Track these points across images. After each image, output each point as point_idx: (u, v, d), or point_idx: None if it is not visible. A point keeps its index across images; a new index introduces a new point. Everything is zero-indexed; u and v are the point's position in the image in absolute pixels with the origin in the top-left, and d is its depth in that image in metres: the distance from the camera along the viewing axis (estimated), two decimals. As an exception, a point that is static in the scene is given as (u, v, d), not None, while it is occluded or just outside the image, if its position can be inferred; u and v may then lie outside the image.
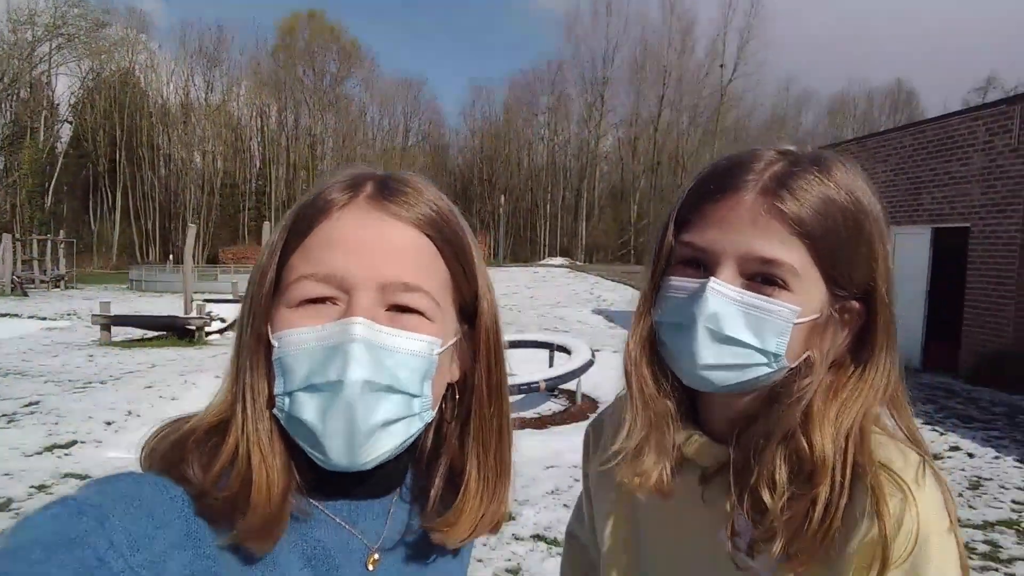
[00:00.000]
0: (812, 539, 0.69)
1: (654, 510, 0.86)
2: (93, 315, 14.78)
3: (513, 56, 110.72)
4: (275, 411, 0.64)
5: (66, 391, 9.01)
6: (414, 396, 0.65)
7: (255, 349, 0.66)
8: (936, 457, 6.33)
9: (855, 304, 0.76)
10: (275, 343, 0.64)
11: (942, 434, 7.05)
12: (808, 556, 0.69)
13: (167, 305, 21.93)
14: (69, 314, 19.64)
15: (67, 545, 0.51)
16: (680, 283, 0.77)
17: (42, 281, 29.03)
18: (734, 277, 0.74)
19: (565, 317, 18.67)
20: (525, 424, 7.61)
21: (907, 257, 11.52)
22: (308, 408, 0.62)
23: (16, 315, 18.94)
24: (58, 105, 50.16)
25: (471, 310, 0.74)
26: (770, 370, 0.74)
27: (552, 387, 8.40)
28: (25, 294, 25.73)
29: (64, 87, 50.42)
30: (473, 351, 0.75)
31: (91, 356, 12.15)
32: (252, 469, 0.62)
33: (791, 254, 0.72)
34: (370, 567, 0.72)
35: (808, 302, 0.73)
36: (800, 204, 0.71)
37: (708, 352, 0.74)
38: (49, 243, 31.21)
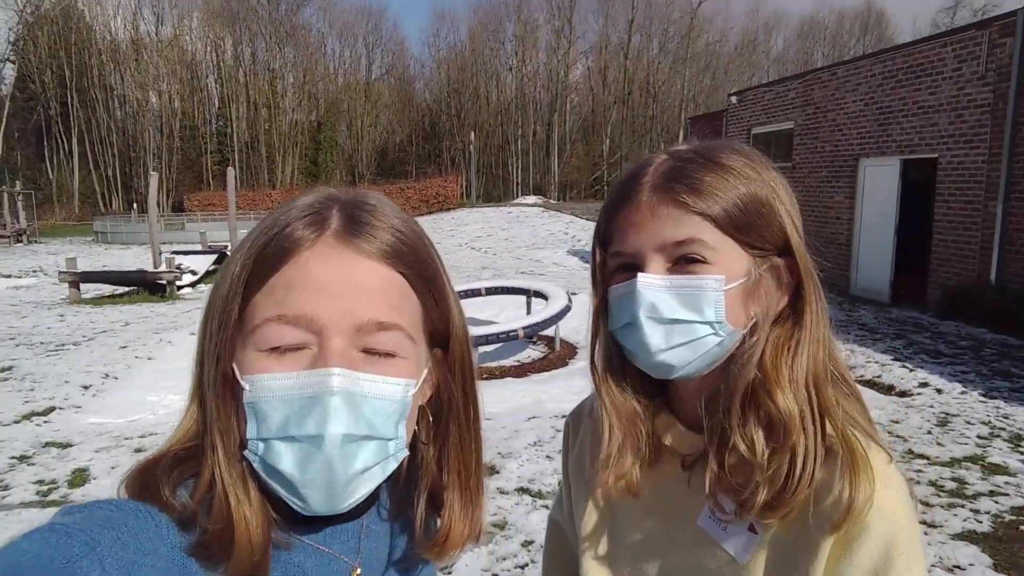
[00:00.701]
0: (795, 492, 0.74)
1: (634, 500, 0.91)
2: (60, 272, 14.49)
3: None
4: (247, 453, 0.64)
5: (39, 354, 8.91)
6: (390, 439, 0.66)
7: (220, 389, 0.65)
8: (905, 394, 6.57)
9: (779, 260, 0.82)
10: (246, 386, 0.63)
11: (911, 370, 7.21)
12: (791, 508, 0.75)
13: (135, 258, 21.54)
14: (35, 271, 19.22)
15: (58, 570, 0.51)
16: (618, 289, 0.84)
17: (3, 236, 28.19)
18: (660, 267, 0.81)
19: (541, 260, 18.72)
20: (505, 373, 7.72)
21: (876, 189, 11.64)
22: (285, 459, 0.62)
23: (-21, 273, 18.48)
24: (-4, 43, 47.49)
25: (442, 335, 0.74)
26: (719, 338, 0.80)
27: (531, 334, 8.50)
28: (-15, 250, 25.02)
29: (1, 22, 47.60)
30: (448, 373, 0.76)
31: (62, 316, 11.98)
32: (231, 510, 0.62)
33: (699, 231, 0.79)
34: None
35: (730, 268, 0.79)
36: (692, 190, 0.79)
37: (657, 338, 0.80)
38: (6, 195, 30.12)
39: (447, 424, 0.77)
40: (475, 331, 7.87)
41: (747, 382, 0.78)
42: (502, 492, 4.52)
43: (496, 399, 6.58)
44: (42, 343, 9.68)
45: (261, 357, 0.63)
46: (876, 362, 7.59)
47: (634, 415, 0.89)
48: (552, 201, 44.08)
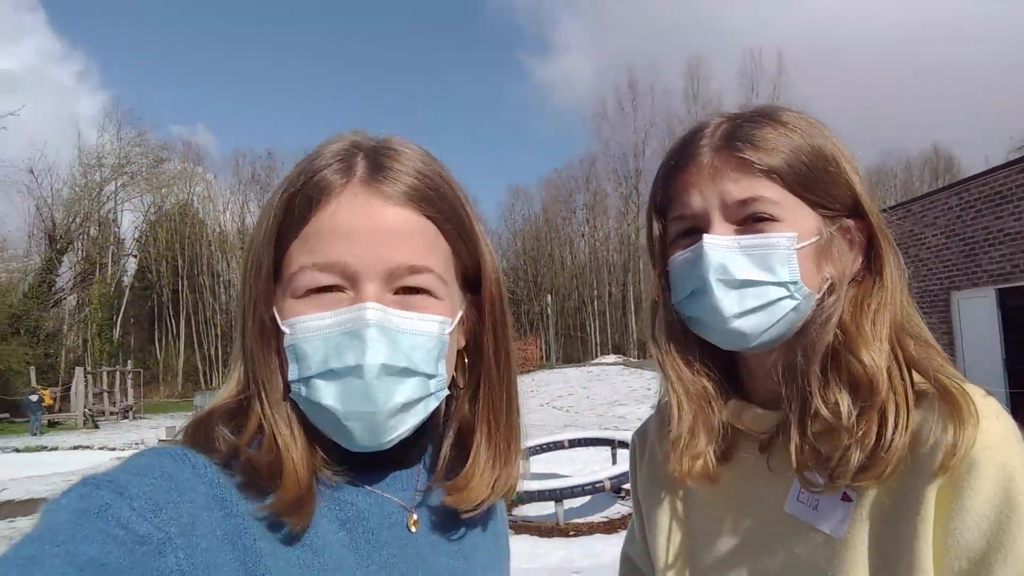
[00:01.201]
0: (890, 447, 0.68)
1: (711, 498, 0.85)
2: (160, 440, 15.12)
3: (547, 157, 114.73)
4: (292, 395, 0.65)
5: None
6: (430, 376, 0.66)
7: (260, 338, 0.66)
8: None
9: (849, 221, 0.79)
10: (286, 330, 0.64)
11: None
12: (887, 465, 0.68)
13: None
14: (137, 443, 20.05)
15: (90, 519, 0.52)
16: (681, 256, 0.80)
17: (112, 412, 29.92)
18: (725, 228, 0.77)
19: (625, 416, 18.23)
20: (594, 529, 7.33)
21: (973, 322, 11.06)
22: (327, 393, 0.62)
23: (88, 447, 19.52)
24: (123, 240, 53.27)
25: (473, 278, 0.74)
26: (795, 301, 0.75)
27: (617, 487, 8.12)
28: (96, 426, 26.51)
29: (128, 222, 53.65)
30: (478, 317, 0.76)
31: (158, 482, 12.33)
32: (279, 446, 0.63)
33: (765, 189, 0.75)
34: (412, 528, 0.72)
35: (801, 226, 0.76)
36: (755, 147, 0.76)
37: (730, 302, 0.75)
38: (118, 374, 32.39)
39: (480, 366, 0.77)
40: (559, 484, 7.62)
41: (827, 343, 0.74)
42: (595, 648, 4.14)
43: (586, 554, 6.22)
44: (138, 508, 9.93)
45: (299, 303, 0.65)
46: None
47: (704, 393, 0.83)
48: (632, 359, 43.66)
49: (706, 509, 0.87)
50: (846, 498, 0.73)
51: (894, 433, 0.68)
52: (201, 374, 54.73)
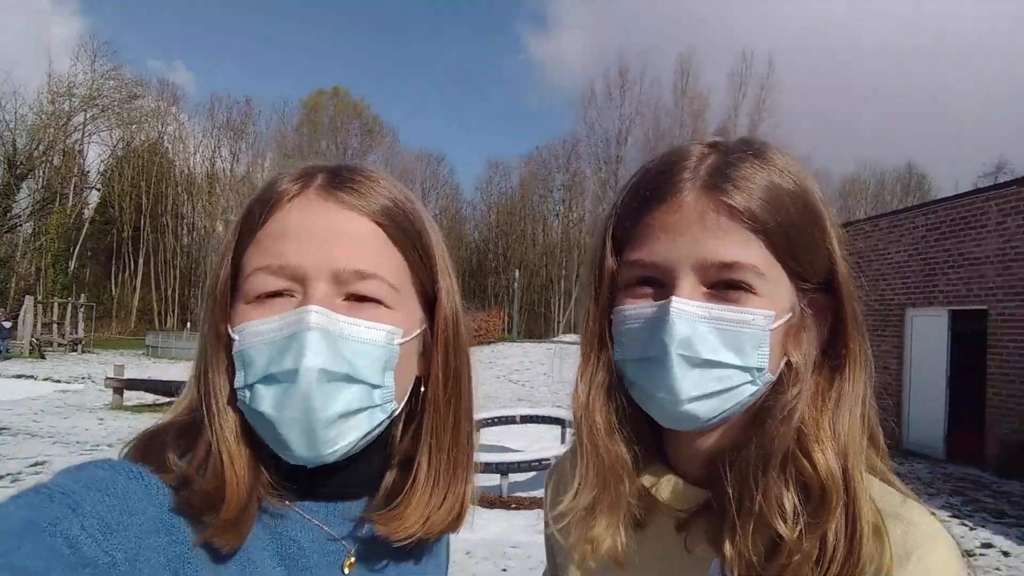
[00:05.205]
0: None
1: (628, 569, 0.76)
2: (106, 378, 14.84)
3: (529, 136, 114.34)
4: (238, 404, 0.64)
5: (73, 453, 8.96)
6: (375, 387, 0.65)
7: (215, 346, 0.66)
8: (968, 554, 6.05)
9: (821, 296, 0.69)
10: (235, 336, 0.64)
11: (972, 529, 6.71)
12: None
13: (180, 372, 21.96)
14: (83, 377, 19.70)
15: (39, 533, 0.51)
16: (636, 310, 0.69)
17: (60, 344, 29.31)
18: (695, 290, 0.65)
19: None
20: (536, 504, 7.42)
21: (925, 340, 11.36)
22: (265, 399, 0.61)
23: (32, 376, 19.09)
24: (88, 172, 51.72)
25: (433, 298, 0.73)
26: (755, 388, 0.67)
27: (563, 463, 8.25)
28: (43, 356, 25.94)
29: (95, 155, 52.14)
30: (431, 339, 0.74)
31: (101, 419, 12.12)
32: (224, 467, 0.62)
33: (751, 253, 0.64)
34: (346, 570, 0.70)
35: (778, 303, 0.66)
36: (747, 195, 0.64)
37: (688, 383, 0.65)
38: (69, 306, 31.65)
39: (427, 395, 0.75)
40: (507, 458, 7.69)
41: (788, 443, 0.64)
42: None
43: (525, 528, 6.29)
44: (77, 443, 9.76)
45: (249, 308, 0.64)
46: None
47: (618, 465, 0.72)
48: (592, 342, 43.98)
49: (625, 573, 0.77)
50: None
51: (832, 558, 0.61)
52: (156, 313, 53.77)
